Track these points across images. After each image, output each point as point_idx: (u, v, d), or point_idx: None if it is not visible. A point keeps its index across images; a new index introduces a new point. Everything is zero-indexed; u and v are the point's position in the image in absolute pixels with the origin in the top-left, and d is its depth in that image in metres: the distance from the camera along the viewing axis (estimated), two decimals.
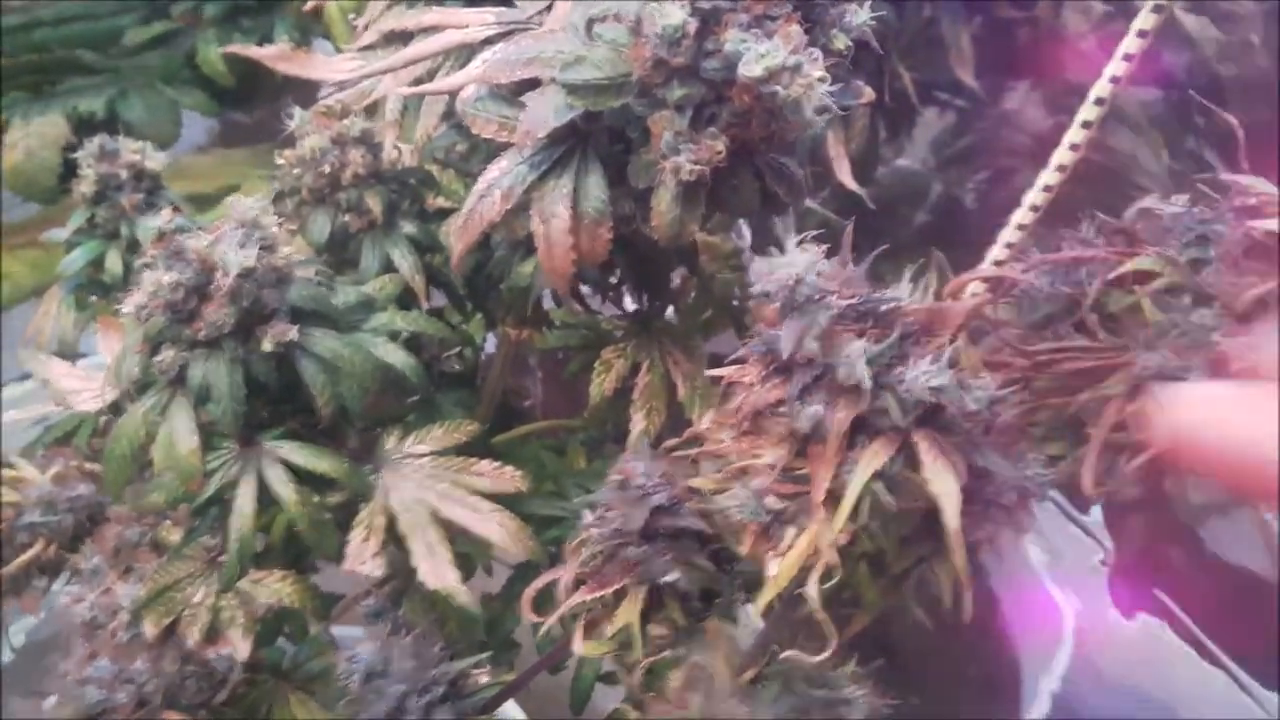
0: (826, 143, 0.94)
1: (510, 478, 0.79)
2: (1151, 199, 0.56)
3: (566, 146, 0.60)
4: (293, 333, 0.69)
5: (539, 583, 0.72)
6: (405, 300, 0.98)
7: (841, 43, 0.54)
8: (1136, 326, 0.55)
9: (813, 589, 0.52)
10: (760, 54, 0.48)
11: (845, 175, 0.92)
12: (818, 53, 0.51)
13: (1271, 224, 0.51)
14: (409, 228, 0.92)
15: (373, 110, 0.91)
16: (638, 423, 0.87)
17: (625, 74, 0.54)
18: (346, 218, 0.91)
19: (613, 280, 0.83)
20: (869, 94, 0.59)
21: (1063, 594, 1.40)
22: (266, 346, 0.68)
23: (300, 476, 0.73)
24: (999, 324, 0.60)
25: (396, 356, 0.74)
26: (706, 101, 0.53)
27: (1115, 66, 0.49)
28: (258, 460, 0.72)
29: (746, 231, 1.37)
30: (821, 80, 0.49)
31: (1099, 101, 0.49)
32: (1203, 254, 0.54)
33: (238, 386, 0.68)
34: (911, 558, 0.60)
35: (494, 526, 0.76)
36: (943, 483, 0.50)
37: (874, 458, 0.51)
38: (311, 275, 0.76)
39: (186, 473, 0.68)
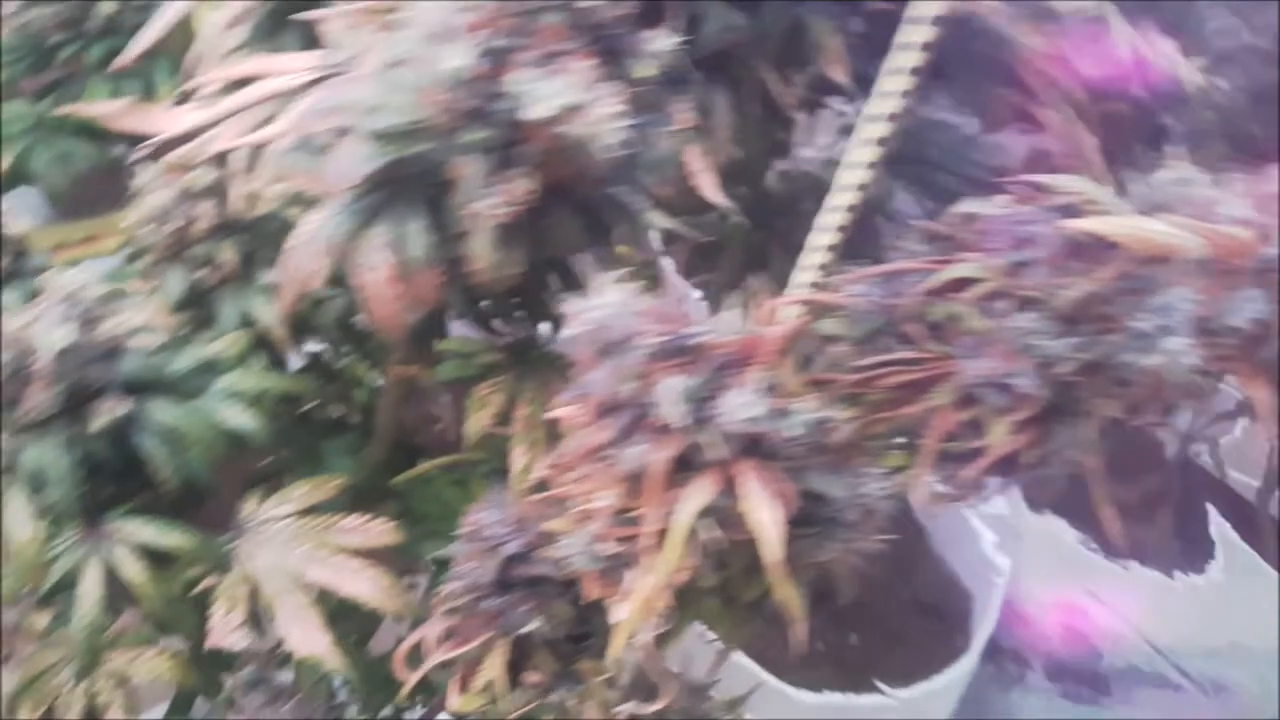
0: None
1: (380, 531, 0.77)
2: (971, 201, 0.56)
3: (385, 193, 0.59)
4: (125, 407, 0.66)
5: (411, 640, 0.71)
6: (275, 354, 0.96)
7: (646, 70, 0.53)
8: (959, 335, 0.54)
9: (640, 638, 0.50)
10: (546, 94, 0.47)
11: (710, 190, 0.91)
12: (614, 87, 0.49)
13: (1088, 223, 0.50)
14: (270, 276, 0.89)
15: (223, 160, 0.89)
16: (518, 459, 0.85)
17: (425, 119, 0.52)
18: (202, 272, 0.89)
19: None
20: (687, 119, 0.58)
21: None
22: (97, 425, 0.65)
23: (152, 554, 0.71)
24: (829, 341, 0.59)
25: (241, 419, 0.72)
26: (508, 142, 0.51)
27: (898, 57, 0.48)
28: (103, 542, 0.69)
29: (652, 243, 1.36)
30: (614, 116, 0.48)
31: (892, 118, 0.48)
32: (1024, 256, 0.53)
33: (73, 468, 0.66)
34: (761, 587, 0.59)
35: (364, 584, 0.74)
36: (762, 515, 0.49)
37: (697, 495, 0.50)
38: (153, 342, 0.73)
39: (26, 563, 0.66)
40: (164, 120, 0.85)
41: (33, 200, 1.68)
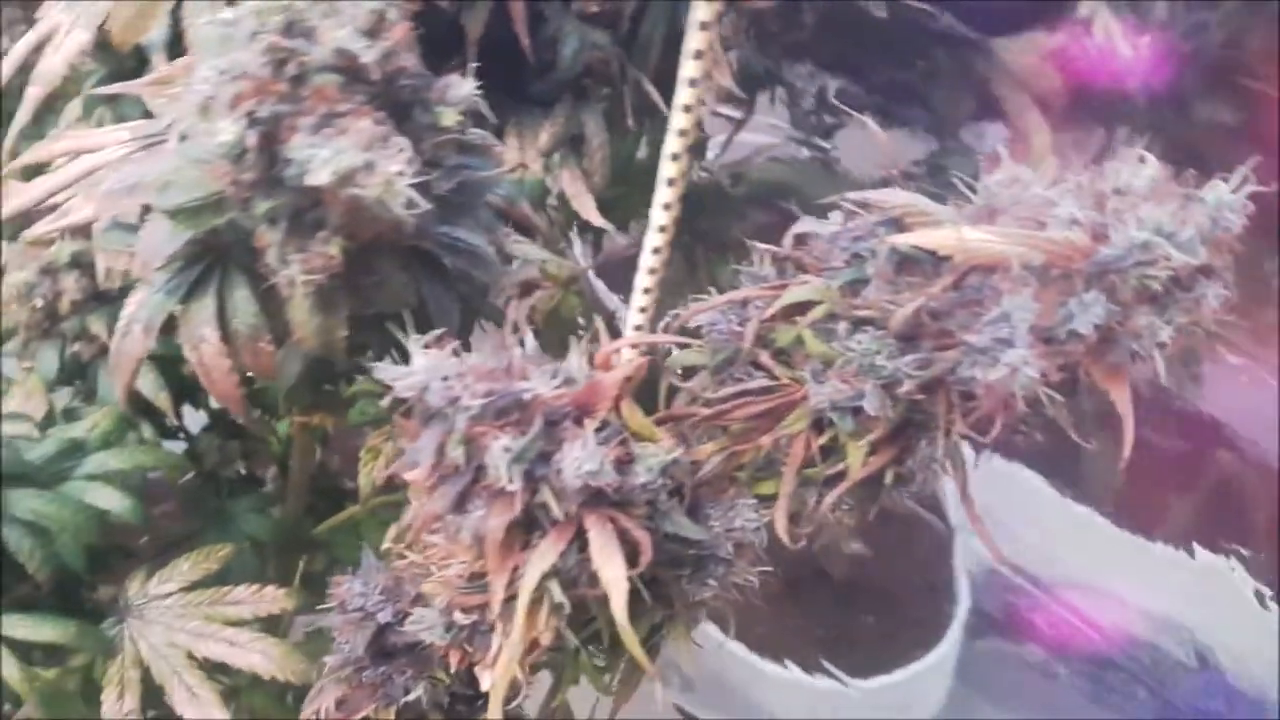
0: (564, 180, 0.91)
1: (272, 598, 0.74)
2: (807, 221, 0.54)
3: (204, 265, 0.56)
4: None
5: (307, 711, 0.68)
6: (161, 421, 0.94)
7: (450, 118, 0.51)
8: (804, 359, 0.52)
9: (496, 710, 0.48)
10: (324, 159, 0.45)
11: (589, 212, 0.89)
12: (403, 142, 0.47)
13: (912, 237, 0.48)
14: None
15: (85, 231, 0.86)
16: (407, 516, 0.83)
17: (215, 193, 0.50)
18: (76, 347, 0.86)
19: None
20: (503, 160, 0.55)
21: None
22: None
23: (36, 647, 0.68)
24: (689, 373, 0.57)
25: (111, 500, 0.69)
26: (304, 207, 0.49)
27: (687, 68, 0.45)
28: None
29: (580, 254, 1.34)
30: (400, 173, 0.45)
31: (686, 109, 0.45)
32: (860, 274, 0.51)
33: None
34: (644, 628, 0.57)
35: (256, 656, 0.72)
36: (609, 570, 0.47)
37: (542, 558, 0.47)
38: (22, 430, 0.71)
39: None
40: (16, 194, 0.83)
41: None
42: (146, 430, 0.90)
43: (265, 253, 0.51)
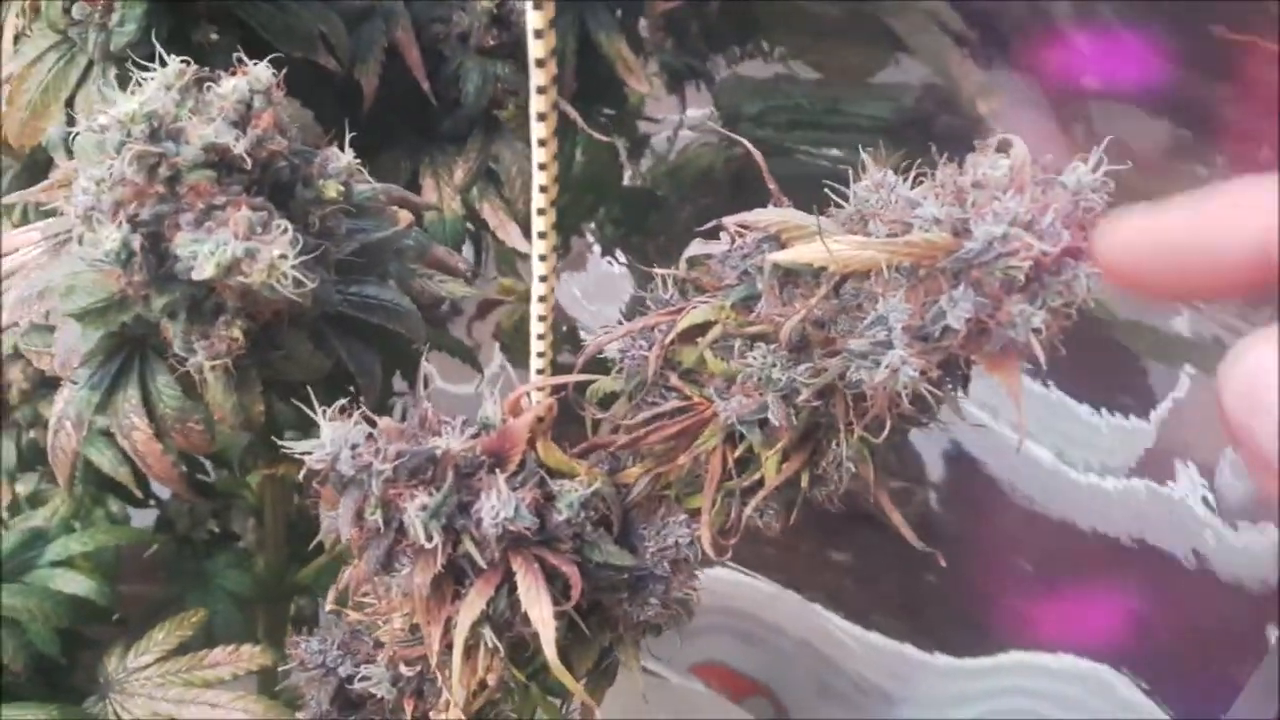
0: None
1: (249, 656, 0.76)
2: (698, 243, 0.55)
3: (123, 355, 0.58)
4: None
5: None
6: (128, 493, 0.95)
7: (333, 190, 0.52)
8: (711, 378, 0.54)
9: None
10: (208, 253, 0.46)
11: (515, 239, 0.90)
12: (284, 224, 0.48)
13: (788, 253, 0.50)
14: (101, 421, 0.88)
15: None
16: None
17: (117, 291, 0.51)
18: (31, 434, 0.88)
19: None
20: (398, 219, 0.57)
21: None
22: None
23: None
24: (609, 400, 0.58)
25: (79, 585, 0.71)
26: (200, 297, 0.50)
27: (534, 75, 0.46)
28: None
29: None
30: (284, 256, 0.46)
31: (541, 117, 0.46)
32: (751, 291, 0.53)
33: None
34: (593, 653, 0.59)
35: (237, 715, 0.74)
36: (537, 610, 0.48)
37: (472, 606, 0.49)
38: None
39: None
40: None
41: None
42: (114, 505, 0.92)
43: (171, 343, 0.53)
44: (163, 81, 0.49)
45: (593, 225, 1.45)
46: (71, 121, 0.65)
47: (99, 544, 0.75)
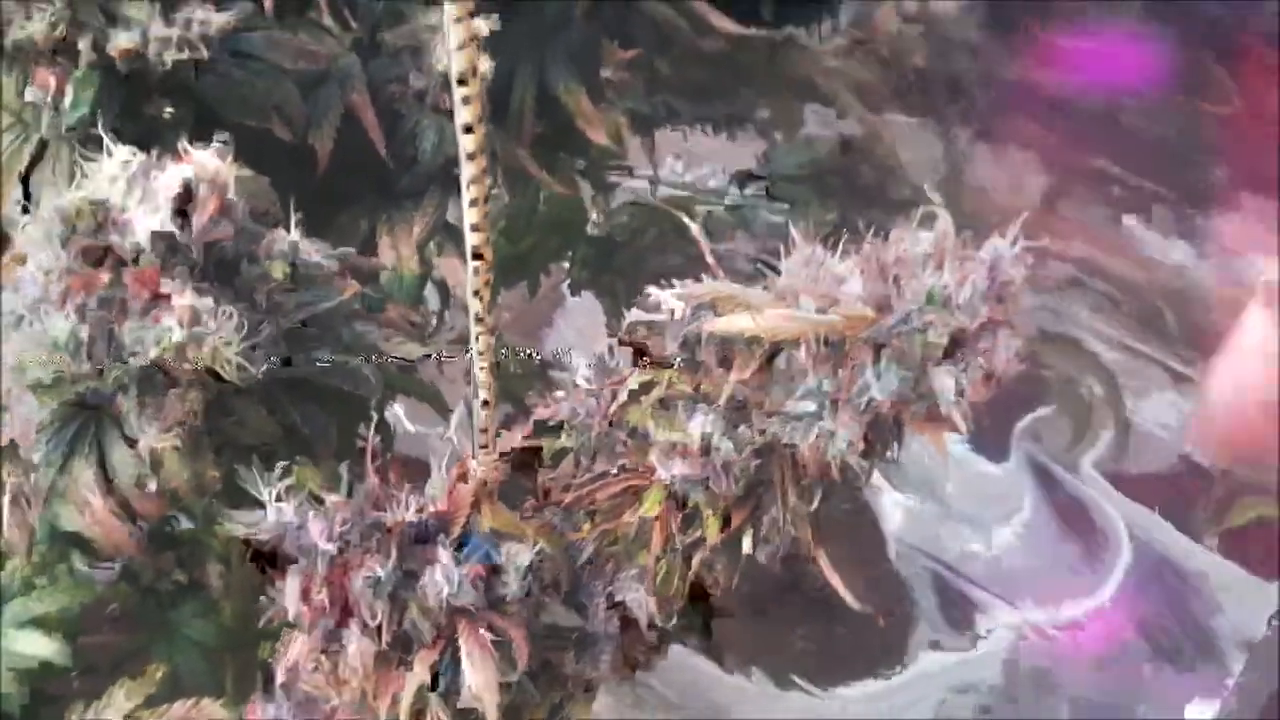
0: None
1: (209, 711, 0.77)
2: (637, 311, 0.57)
3: (78, 423, 0.59)
4: None
5: None
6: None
7: (279, 270, 0.54)
8: (656, 440, 0.55)
9: None
10: (154, 339, 0.47)
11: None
12: (228, 309, 0.50)
13: (722, 323, 0.51)
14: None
15: None
16: None
17: (63, 372, 0.53)
18: None
19: None
20: (345, 288, 0.58)
21: None
22: None
23: None
24: (559, 458, 0.60)
25: (38, 645, 0.72)
26: (151, 372, 0.52)
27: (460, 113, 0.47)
28: None
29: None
30: (229, 342, 0.48)
31: (468, 129, 0.47)
32: (691, 356, 0.54)
33: None
34: (545, 710, 0.60)
35: None
36: (479, 677, 0.49)
37: (416, 677, 0.50)
38: None
39: None
40: None
41: None
42: (78, 560, 0.92)
43: (123, 417, 0.54)
44: (109, 172, 0.50)
45: (565, 265, 1.48)
46: (28, 197, 0.67)
47: (60, 605, 0.76)
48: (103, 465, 0.59)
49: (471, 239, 0.47)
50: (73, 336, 0.48)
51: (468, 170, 0.45)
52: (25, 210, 0.61)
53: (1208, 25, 1.28)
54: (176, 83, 0.65)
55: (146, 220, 0.48)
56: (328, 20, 0.78)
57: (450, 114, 0.88)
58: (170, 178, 0.49)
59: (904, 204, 1.23)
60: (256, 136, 0.69)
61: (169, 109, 0.63)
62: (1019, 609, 1.34)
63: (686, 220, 0.56)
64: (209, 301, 0.49)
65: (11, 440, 0.62)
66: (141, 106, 0.63)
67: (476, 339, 0.48)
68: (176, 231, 0.48)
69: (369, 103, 0.78)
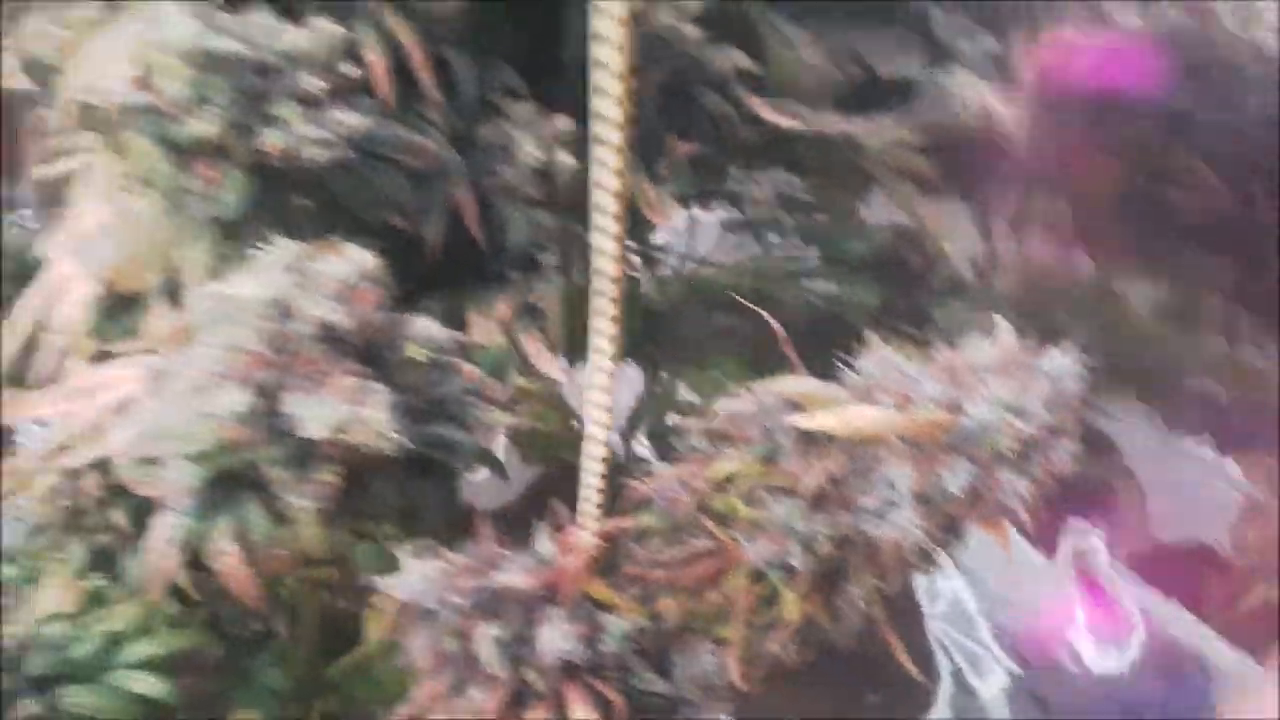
0: None
1: None
2: (727, 400, 0.63)
3: (220, 490, 0.65)
4: (36, 707, 0.72)
5: None
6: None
7: (419, 354, 0.60)
8: (739, 523, 0.61)
9: None
10: (316, 416, 0.54)
11: (552, 369, 0.99)
12: (380, 388, 0.56)
13: (807, 420, 0.58)
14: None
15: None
16: None
17: (226, 443, 0.59)
18: (101, 538, 0.95)
19: None
20: (472, 377, 0.65)
21: None
22: None
23: None
24: (645, 536, 0.66)
25: (149, 686, 0.77)
26: (303, 451, 0.58)
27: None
28: None
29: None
30: (382, 420, 0.54)
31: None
32: (773, 447, 0.61)
33: None
34: None
35: None
36: None
37: None
38: (61, 630, 0.79)
39: None
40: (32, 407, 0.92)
41: None
42: (170, 605, 0.98)
43: (273, 484, 0.60)
44: (280, 261, 0.57)
45: None
46: (170, 274, 0.74)
47: (171, 648, 0.81)
48: (240, 526, 0.65)
49: (600, 344, 0.54)
50: (247, 409, 0.54)
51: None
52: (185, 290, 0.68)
53: None
54: (313, 178, 0.73)
55: (315, 311, 0.55)
56: (433, 116, 0.86)
57: (535, 205, 0.96)
58: (336, 270, 0.56)
59: (948, 289, 1.28)
60: (374, 226, 0.76)
61: (307, 201, 0.71)
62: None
63: (768, 317, 0.62)
64: (365, 382, 0.56)
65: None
66: (285, 199, 0.70)
67: (592, 420, 0.54)
68: (342, 322, 0.55)
69: (473, 199, 0.85)
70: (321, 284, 0.57)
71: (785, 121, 1.28)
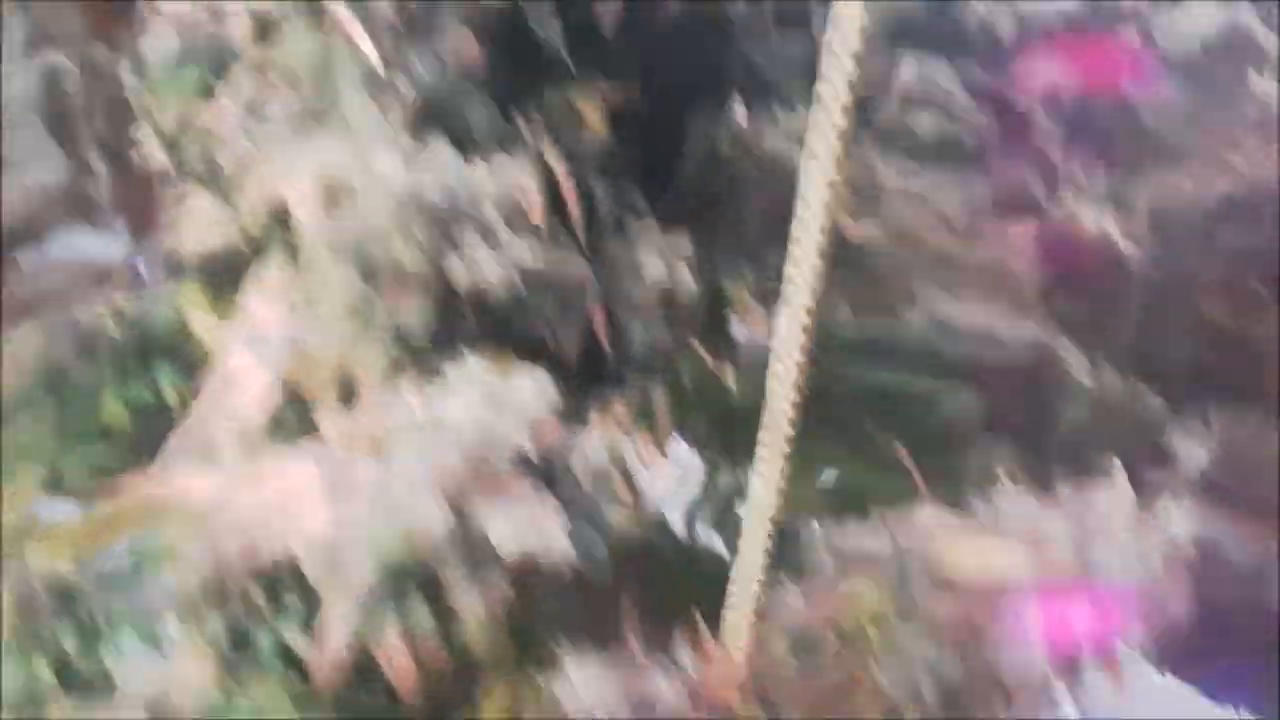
0: None
1: None
2: (855, 529, 0.69)
3: (393, 585, 0.71)
4: None
5: None
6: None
7: (588, 471, 0.67)
8: (869, 645, 0.67)
9: None
10: (506, 535, 0.61)
11: (658, 467, 1.05)
12: (554, 503, 0.63)
13: (944, 559, 0.63)
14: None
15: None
16: None
17: (415, 549, 0.65)
18: (239, 612, 1.01)
19: None
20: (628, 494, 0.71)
21: None
22: None
23: None
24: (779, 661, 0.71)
25: None
26: (485, 558, 0.64)
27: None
28: None
29: None
30: (557, 536, 0.61)
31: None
32: (902, 578, 0.66)
33: None
34: None
35: None
36: None
37: None
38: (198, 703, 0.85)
39: None
40: (182, 487, 0.98)
41: None
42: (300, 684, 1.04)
43: (449, 588, 0.67)
44: (472, 383, 0.64)
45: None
46: (345, 378, 0.80)
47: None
48: (406, 623, 0.72)
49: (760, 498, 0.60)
50: (445, 527, 0.61)
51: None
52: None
53: None
54: (485, 299, 0.79)
55: (512, 436, 0.62)
56: (578, 238, 0.92)
57: (654, 319, 1.02)
58: (526, 397, 0.63)
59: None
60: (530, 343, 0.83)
61: (480, 321, 0.77)
62: None
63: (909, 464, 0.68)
64: (545, 497, 0.62)
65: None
66: (461, 320, 0.77)
67: (754, 523, 0.59)
68: (532, 451, 0.62)
69: (604, 314, 0.92)
70: (515, 410, 0.63)
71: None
